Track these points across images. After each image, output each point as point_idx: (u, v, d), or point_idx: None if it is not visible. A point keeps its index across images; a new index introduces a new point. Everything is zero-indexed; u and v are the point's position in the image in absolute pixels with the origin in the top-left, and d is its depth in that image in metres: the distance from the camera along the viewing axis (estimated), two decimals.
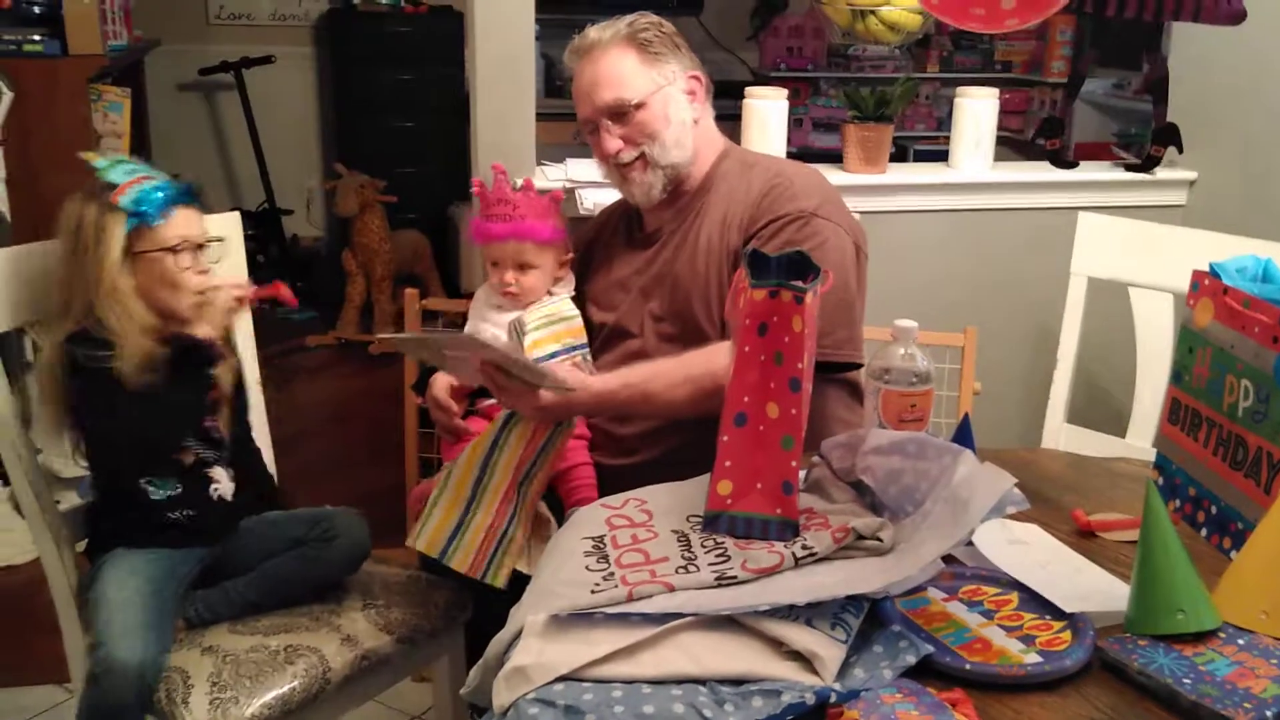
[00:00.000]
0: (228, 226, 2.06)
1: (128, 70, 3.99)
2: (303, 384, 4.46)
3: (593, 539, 1.39)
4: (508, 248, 1.95)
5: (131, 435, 1.71)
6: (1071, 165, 2.73)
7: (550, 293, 1.99)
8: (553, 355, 1.87)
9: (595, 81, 1.89)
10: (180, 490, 1.77)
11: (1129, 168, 2.81)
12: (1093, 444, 2.21)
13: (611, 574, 1.29)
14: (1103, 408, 2.55)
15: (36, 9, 3.32)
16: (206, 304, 1.75)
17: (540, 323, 1.89)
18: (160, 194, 1.71)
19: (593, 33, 1.92)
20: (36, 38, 3.16)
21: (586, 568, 1.32)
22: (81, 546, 1.85)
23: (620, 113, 1.88)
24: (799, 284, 1.37)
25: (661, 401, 1.76)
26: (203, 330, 1.74)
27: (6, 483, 3.03)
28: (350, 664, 1.74)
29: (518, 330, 1.89)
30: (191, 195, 1.77)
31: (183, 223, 1.74)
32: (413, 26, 5.29)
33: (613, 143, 1.90)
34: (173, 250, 1.72)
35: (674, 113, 1.90)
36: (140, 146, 4.19)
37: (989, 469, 1.28)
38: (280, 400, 4.67)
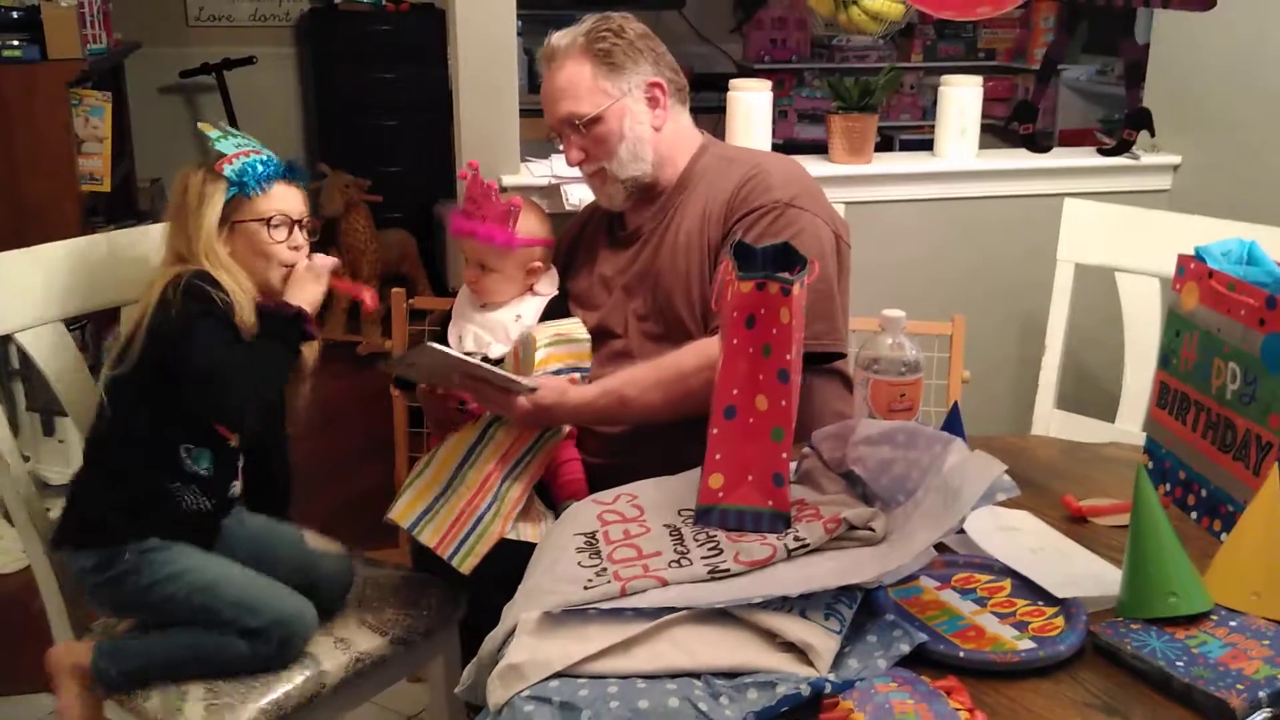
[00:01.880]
0: None
1: (108, 74, 3.97)
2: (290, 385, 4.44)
3: (585, 535, 1.39)
4: (467, 245, 1.97)
5: (235, 379, 1.67)
6: (1046, 150, 2.73)
7: (535, 292, 1.99)
8: (556, 374, 1.86)
9: (553, 94, 1.92)
10: (211, 474, 1.75)
11: (1102, 151, 2.81)
12: (1083, 429, 2.22)
13: (604, 569, 1.29)
14: (1092, 393, 2.56)
15: (15, 14, 3.30)
16: (296, 278, 1.79)
17: (550, 340, 1.88)
18: (262, 168, 1.77)
19: (554, 39, 1.93)
20: (15, 43, 3.14)
21: (579, 564, 1.32)
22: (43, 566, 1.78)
23: (576, 126, 1.90)
24: (785, 276, 1.37)
25: (638, 406, 1.79)
26: (298, 302, 1.77)
27: None
28: (345, 666, 1.74)
29: (526, 346, 1.88)
30: (294, 172, 1.83)
31: (281, 197, 1.79)
32: (394, 25, 5.28)
33: (574, 154, 1.93)
34: (267, 222, 1.76)
35: (629, 127, 1.90)
36: (122, 150, 4.17)
37: (979, 456, 1.28)
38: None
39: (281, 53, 5.47)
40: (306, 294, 1.79)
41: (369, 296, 1.97)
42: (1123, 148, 2.70)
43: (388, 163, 5.12)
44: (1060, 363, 2.30)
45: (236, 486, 1.82)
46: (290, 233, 1.80)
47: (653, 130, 1.92)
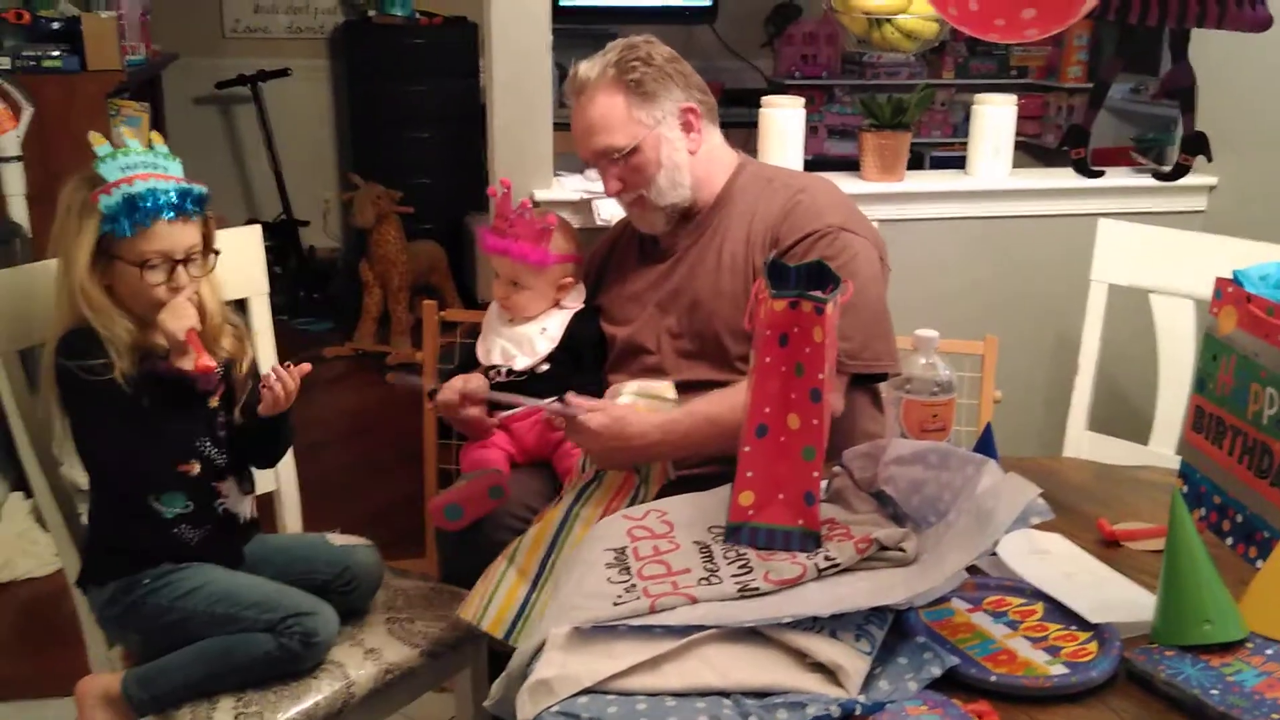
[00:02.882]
0: (248, 239, 2.07)
1: (145, 84, 4.02)
2: (320, 395, 4.47)
3: (614, 550, 1.39)
4: (501, 263, 1.98)
5: (131, 458, 1.66)
6: (1097, 174, 2.72)
7: (562, 305, 2.00)
8: None
9: (587, 127, 1.90)
10: (191, 508, 1.73)
11: (1158, 176, 2.79)
12: (1115, 451, 2.20)
13: (634, 586, 1.29)
14: (1124, 415, 2.53)
15: (55, 25, 3.35)
16: (169, 307, 1.65)
17: (637, 392, 1.85)
18: (144, 202, 1.61)
19: (583, 69, 1.91)
20: (55, 54, 3.19)
21: (608, 580, 1.32)
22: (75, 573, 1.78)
23: (611, 159, 1.89)
24: (819, 295, 1.37)
25: (728, 423, 1.68)
26: (191, 360, 1.65)
27: (29, 495, 3.05)
28: (374, 677, 1.74)
29: (610, 395, 1.86)
30: (185, 205, 1.65)
31: (163, 236, 1.63)
32: (427, 38, 5.31)
33: (612, 184, 1.92)
34: (141, 264, 1.63)
35: (666, 155, 1.89)
36: None
37: (1013, 479, 1.28)
38: (297, 411, 4.66)
39: (316, 65, 5.52)
40: (183, 321, 1.65)
41: (204, 360, 1.67)
42: (1180, 172, 2.69)
43: (419, 175, 5.14)
44: (1093, 384, 2.28)
45: (227, 501, 1.78)
46: (171, 273, 1.65)
47: (689, 155, 1.92)
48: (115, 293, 1.66)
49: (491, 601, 1.69)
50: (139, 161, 1.65)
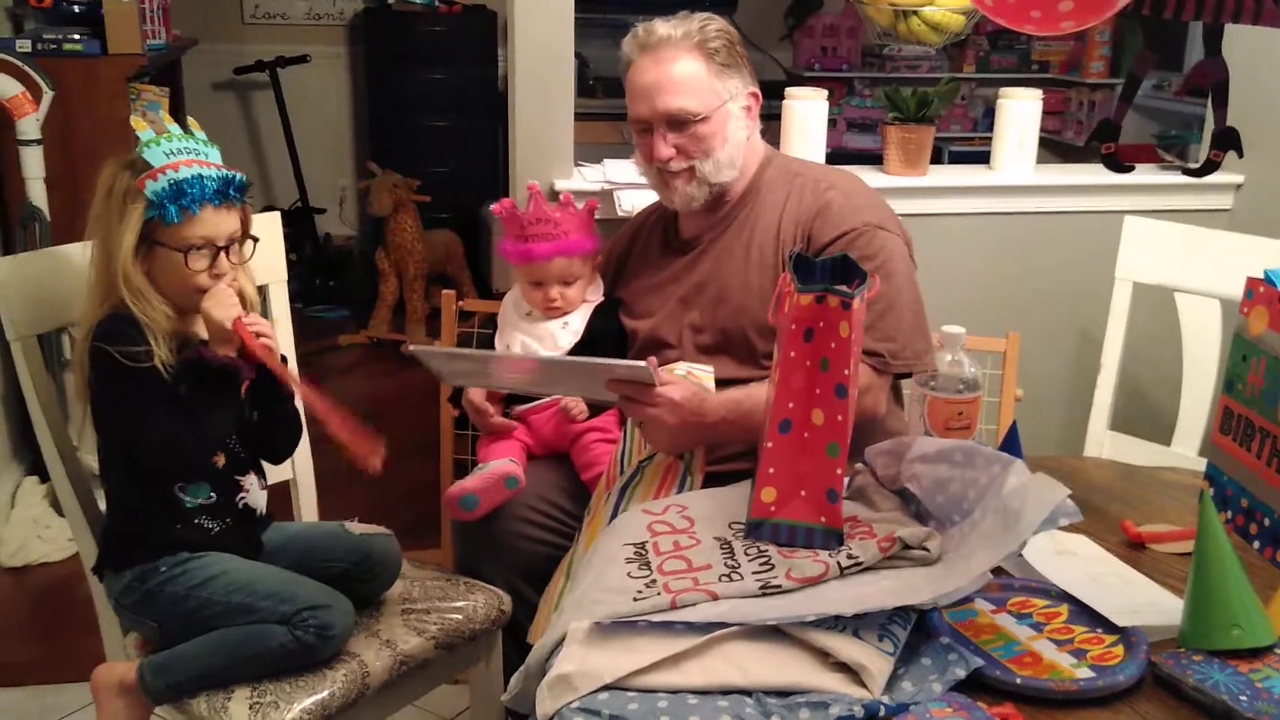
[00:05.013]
0: (267, 226, 2.06)
1: (166, 69, 4.01)
2: (335, 383, 4.47)
3: (634, 545, 1.38)
4: (553, 266, 1.93)
5: (170, 447, 1.65)
6: (1127, 169, 2.69)
7: (586, 299, 1.99)
8: None
9: (660, 85, 1.83)
10: (214, 499, 1.73)
11: (1187, 172, 2.76)
12: (1137, 451, 2.18)
13: (654, 581, 1.28)
14: (1147, 414, 2.51)
15: (76, 8, 3.35)
16: (212, 294, 1.66)
17: (685, 374, 1.76)
18: (191, 188, 1.62)
19: (662, 29, 1.85)
20: (76, 37, 3.18)
21: (628, 574, 1.31)
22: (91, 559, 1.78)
23: (680, 122, 1.83)
24: (845, 289, 1.35)
25: None
26: (222, 349, 1.67)
27: (44, 479, 3.06)
28: (389, 668, 1.73)
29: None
30: (229, 193, 1.67)
31: (208, 223, 1.64)
32: (446, 26, 5.30)
33: (665, 149, 1.84)
34: (185, 250, 1.64)
35: (732, 131, 1.86)
36: None
37: (1040, 479, 1.26)
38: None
39: (334, 51, 5.51)
40: (230, 310, 1.66)
41: (279, 368, 1.73)
42: (1209, 168, 2.66)
43: (436, 163, 5.13)
44: (1116, 383, 2.26)
45: (248, 495, 1.78)
46: (214, 260, 1.66)
47: (744, 139, 1.89)
48: (154, 279, 1.67)
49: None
50: (182, 148, 1.66)
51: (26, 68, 2.94)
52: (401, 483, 3.31)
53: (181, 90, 4.68)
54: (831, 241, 1.80)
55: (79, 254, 1.80)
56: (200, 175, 1.63)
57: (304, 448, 2.09)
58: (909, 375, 1.82)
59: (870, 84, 5.44)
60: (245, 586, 1.68)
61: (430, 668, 1.81)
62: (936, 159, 2.76)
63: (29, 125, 2.93)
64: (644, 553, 1.36)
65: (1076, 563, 1.41)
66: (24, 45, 3.08)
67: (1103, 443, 2.27)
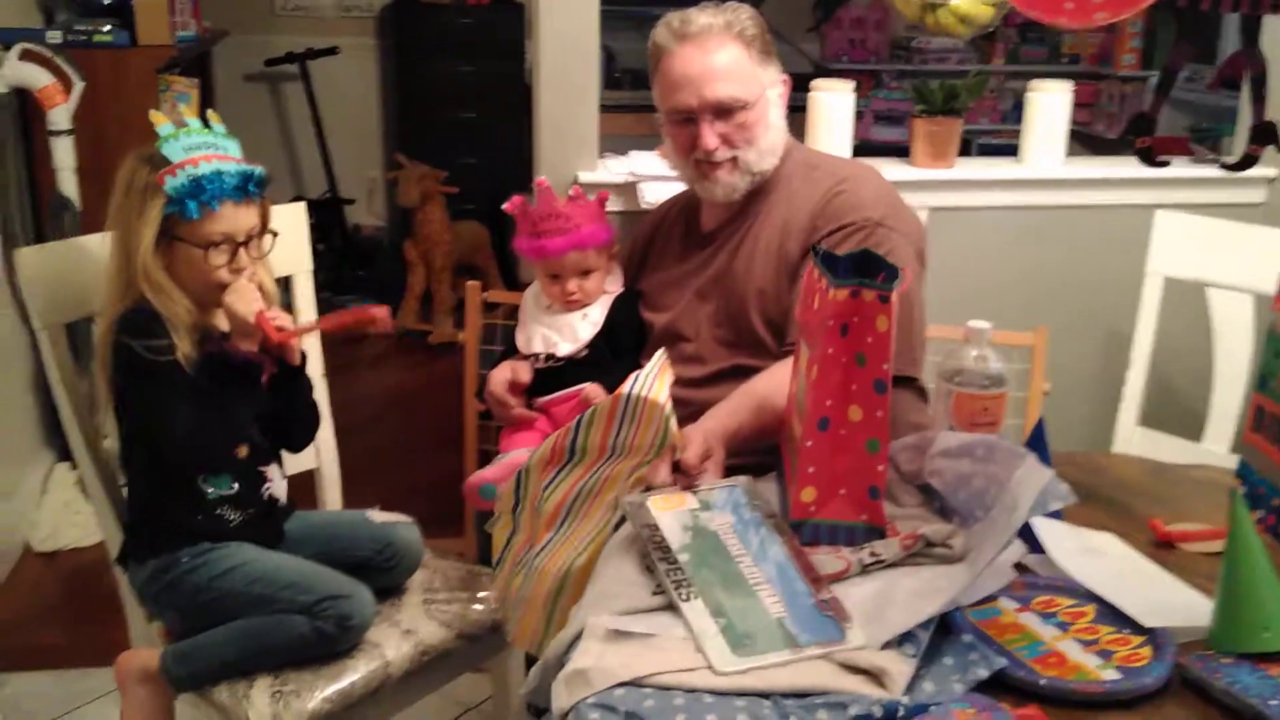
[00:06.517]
0: (291, 218, 2.06)
1: (195, 61, 4.03)
2: (363, 373, 4.49)
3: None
4: (569, 260, 1.93)
5: (195, 439, 1.66)
6: (1162, 164, 2.65)
7: (605, 290, 1.98)
8: None
9: (707, 73, 1.80)
10: (236, 489, 1.74)
11: (1225, 167, 2.72)
12: (1166, 448, 2.16)
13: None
14: (1177, 410, 2.48)
15: (106, 0, 3.36)
16: (234, 288, 1.67)
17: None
18: (210, 185, 1.61)
19: (701, 18, 1.82)
20: (106, 28, 3.19)
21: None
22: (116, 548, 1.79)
23: (727, 110, 1.81)
24: (880, 283, 1.33)
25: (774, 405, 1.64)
26: (254, 342, 1.68)
27: (74, 466, 3.08)
28: (410, 658, 1.74)
29: (653, 413, 1.58)
30: (248, 188, 1.67)
31: (227, 218, 1.64)
32: (475, 19, 5.30)
33: (711, 139, 1.81)
34: (205, 247, 1.65)
35: (774, 118, 1.85)
36: None
37: (1030, 464, 1.25)
38: (340, 389, 4.67)
39: (364, 43, 5.52)
40: (251, 304, 1.66)
41: (284, 334, 1.71)
42: (1247, 163, 2.62)
43: (464, 155, 5.14)
44: (1146, 378, 2.23)
45: (272, 486, 1.79)
46: (233, 255, 1.66)
47: (782, 126, 1.88)
48: (174, 273, 1.67)
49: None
50: (201, 142, 1.65)
51: (57, 59, 2.96)
52: (426, 472, 3.33)
53: (213, 82, 4.70)
54: (832, 231, 1.78)
55: (105, 244, 1.81)
56: (219, 171, 1.63)
57: (328, 437, 2.10)
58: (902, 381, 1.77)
59: (899, 76, 5.40)
60: (265, 577, 1.68)
61: (451, 658, 1.81)
62: (965, 151, 2.73)
63: (60, 116, 2.95)
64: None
65: (1103, 561, 1.39)
66: (55, 36, 3.10)
67: (1131, 439, 2.24)
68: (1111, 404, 2.28)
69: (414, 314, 4.84)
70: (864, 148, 2.75)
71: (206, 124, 1.69)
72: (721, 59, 1.81)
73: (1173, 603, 1.29)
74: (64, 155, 2.98)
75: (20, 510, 3.01)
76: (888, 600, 1.24)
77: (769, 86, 1.85)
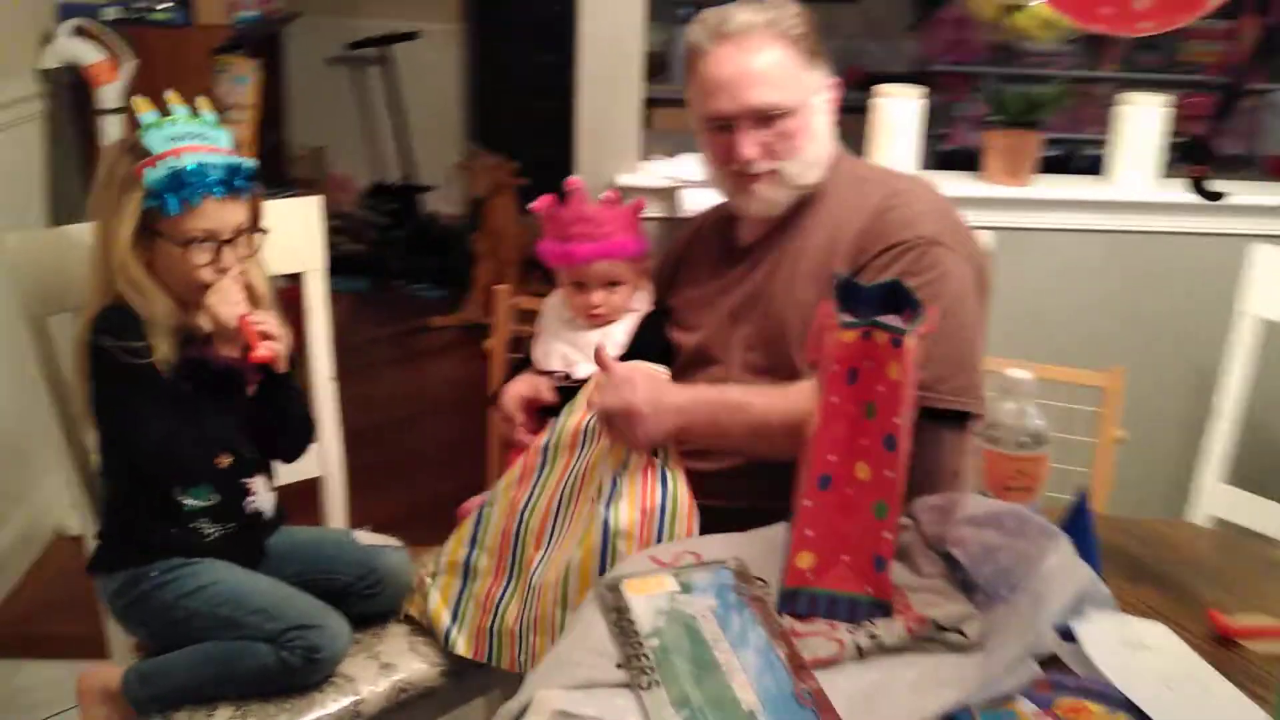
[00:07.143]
0: (307, 211, 1.95)
1: (263, 42, 3.98)
2: (423, 365, 4.43)
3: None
4: (596, 269, 1.80)
5: (170, 447, 1.56)
6: (1216, 196, 2.38)
7: (632, 309, 1.84)
8: None
9: (745, 77, 1.65)
10: (216, 501, 1.64)
11: None
12: (1253, 512, 1.94)
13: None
14: (1270, 469, 2.23)
15: None
16: (217, 289, 1.57)
17: None
18: (193, 178, 1.51)
19: (740, 15, 1.67)
20: (163, 5, 3.15)
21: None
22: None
23: (767, 117, 1.66)
24: (895, 323, 1.17)
25: (749, 421, 1.57)
26: (238, 348, 1.58)
27: None
28: (387, 695, 1.62)
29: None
30: (234, 182, 1.56)
31: (210, 214, 1.54)
32: (564, 6, 5.19)
33: (750, 148, 1.66)
34: (186, 244, 1.54)
35: (818, 127, 1.69)
36: (273, 120, 4.19)
37: (1071, 559, 1.07)
38: (399, 380, 4.65)
39: (446, 29, 5.46)
40: (235, 307, 1.57)
41: (264, 350, 1.59)
42: None
43: (543, 146, 5.04)
44: (1236, 430, 2.00)
45: (256, 499, 1.69)
46: (217, 254, 1.56)
47: (829, 135, 1.72)
48: (155, 270, 1.57)
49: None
50: (186, 132, 1.55)
51: (107, 35, 2.92)
52: (452, 484, 3.21)
53: (282, 64, 4.66)
54: (882, 251, 1.60)
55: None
56: (203, 164, 1.52)
57: (335, 445, 1.99)
58: (957, 416, 1.59)
59: (1001, 80, 5.14)
60: (233, 600, 1.58)
61: (435, 696, 1.69)
62: (1062, 166, 2.50)
63: (110, 93, 2.91)
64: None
65: (1149, 660, 1.19)
66: (110, 13, 3.06)
67: (1214, 497, 2.02)
68: (1196, 457, 2.05)
69: (480, 307, 4.76)
70: (961, 155, 2.55)
71: (195, 112, 1.58)
72: (762, 61, 1.64)
73: (1224, 716, 1.10)
74: (114, 134, 2.94)
75: (53, 496, 2.97)
76: (883, 694, 1.08)
77: (815, 92, 1.68)
